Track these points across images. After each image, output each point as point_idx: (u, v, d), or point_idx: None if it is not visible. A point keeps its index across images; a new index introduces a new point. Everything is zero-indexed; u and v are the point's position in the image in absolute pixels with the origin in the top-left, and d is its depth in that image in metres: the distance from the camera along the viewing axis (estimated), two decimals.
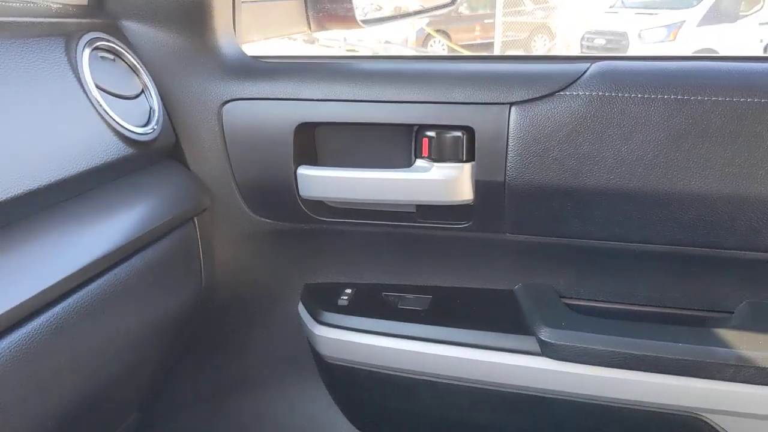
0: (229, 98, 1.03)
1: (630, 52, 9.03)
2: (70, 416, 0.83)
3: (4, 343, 0.68)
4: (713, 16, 8.74)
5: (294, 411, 1.24)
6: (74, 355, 0.80)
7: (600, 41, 9.59)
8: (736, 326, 0.94)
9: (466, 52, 10.74)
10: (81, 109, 0.86)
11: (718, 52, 8.40)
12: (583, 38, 9.93)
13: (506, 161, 0.94)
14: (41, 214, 0.78)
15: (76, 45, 0.89)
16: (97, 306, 0.82)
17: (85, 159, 0.83)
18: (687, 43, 8.63)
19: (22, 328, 0.71)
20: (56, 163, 0.79)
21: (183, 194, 1.02)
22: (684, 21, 8.88)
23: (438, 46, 11.27)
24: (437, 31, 11.19)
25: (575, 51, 10.02)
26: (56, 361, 0.77)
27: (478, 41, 11.24)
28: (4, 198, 0.71)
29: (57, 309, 0.76)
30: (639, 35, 9.12)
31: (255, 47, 1.16)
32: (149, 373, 1.11)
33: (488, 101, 0.94)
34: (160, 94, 1.01)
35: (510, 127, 0.93)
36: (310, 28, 1.23)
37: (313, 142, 1.06)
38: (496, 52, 10.25)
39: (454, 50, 11.00)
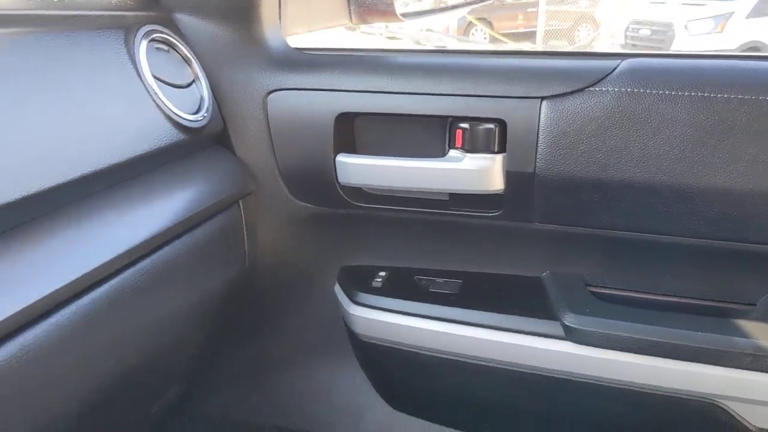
0: (273, 88, 1.09)
1: (676, 44, 8.87)
2: (116, 387, 0.89)
3: (57, 316, 0.74)
4: (763, 8, 8.53)
5: (329, 388, 1.30)
6: (124, 330, 0.86)
7: (645, 32, 9.44)
8: (757, 318, 0.97)
9: (507, 41, 10.67)
10: (138, 97, 0.92)
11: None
12: (627, 29, 9.78)
13: (536, 153, 0.98)
14: (99, 194, 0.84)
15: (135, 37, 0.95)
16: (147, 283, 0.88)
17: (141, 144, 0.90)
18: (735, 36, 8.46)
19: (74, 303, 0.76)
20: (115, 147, 0.85)
21: (229, 178, 1.08)
22: (732, 12, 8.68)
23: (480, 35, 11.21)
24: (479, 19, 11.12)
25: (620, 41, 9.88)
26: (106, 335, 0.82)
27: (521, 30, 11.15)
28: (69, 179, 0.77)
29: (112, 283, 0.81)
30: (685, 26, 8.96)
31: (299, 39, 1.21)
32: (193, 349, 1.18)
33: (520, 95, 0.98)
34: (209, 84, 1.07)
35: (541, 121, 0.97)
36: (351, 21, 1.27)
37: (352, 131, 1.11)
38: (539, 41, 10.16)
39: (496, 39, 10.94)
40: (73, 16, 0.91)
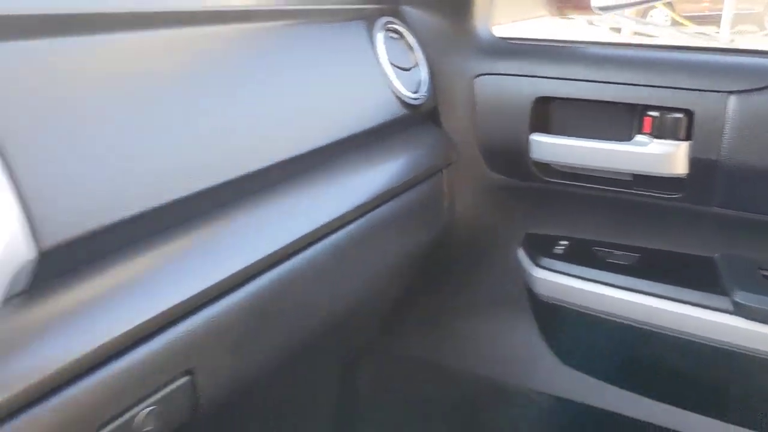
0: (480, 73, 1.25)
1: None
2: (330, 326, 1.06)
3: (302, 257, 0.90)
4: None
5: (505, 338, 1.46)
6: (343, 277, 1.03)
7: None
8: None
9: (689, 24, 10.14)
10: (375, 79, 1.12)
11: None
12: None
13: (721, 142, 1.08)
14: (337, 160, 1.03)
15: (374, 27, 1.15)
16: (366, 237, 1.05)
17: (374, 118, 1.09)
18: None
19: (312, 249, 0.92)
20: (356, 120, 1.05)
21: (437, 150, 1.27)
22: None
23: (659, 17, 10.72)
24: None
25: None
26: (330, 279, 0.99)
27: (706, 12, 10.53)
28: (316, 147, 0.96)
29: (339, 234, 0.98)
30: None
31: (502, 29, 1.36)
32: (392, 296, 1.38)
33: (709, 89, 1.08)
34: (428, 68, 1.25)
35: (727, 113, 1.06)
36: (550, 14, 1.41)
37: (547, 113, 1.25)
38: (724, 25, 9.57)
39: (676, 22, 10.42)
40: (324, 10, 1.12)
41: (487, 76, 1.25)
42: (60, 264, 0.62)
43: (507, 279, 1.41)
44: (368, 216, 1.06)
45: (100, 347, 0.63)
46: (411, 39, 1.23)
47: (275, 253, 0.85)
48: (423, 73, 1.24)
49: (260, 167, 0.85)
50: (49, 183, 0.61)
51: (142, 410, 0.69)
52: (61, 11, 0.70)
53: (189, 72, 0.81)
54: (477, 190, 1.36)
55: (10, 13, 0.65)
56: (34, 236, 0.58)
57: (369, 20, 1.16)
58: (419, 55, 1.24)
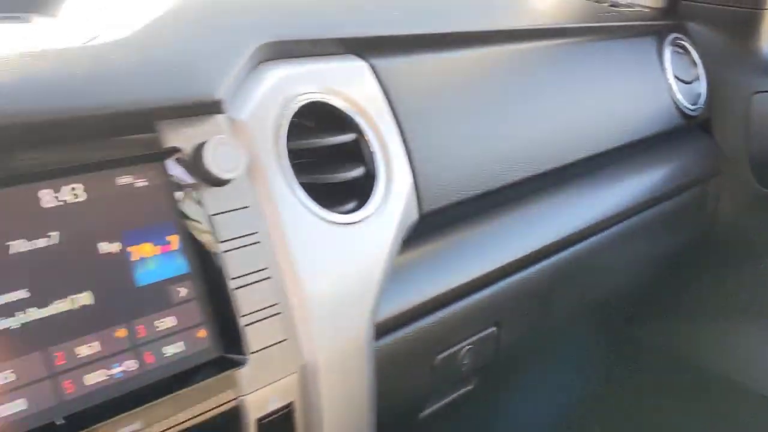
0: (760, 90, 1.30)
1: None
2: (597, 306, 1.21)
3: (585, 243, 1.05)
4: None
5: (755, 346, 1.50)
6: (618, 262, 1.17)
7: None
8: None
9: None
10: (661, 91, 1.23)
11: None
12: None
13: None
14: (623, 161, 1.16)
15: (664, 43, 1.26)
16: (638, 231, 1.18)
17: (658, 125, 1.21)
18: None
19: (593, 237, 1.07)
20: (643, 125, 1.17)
21: (707, 159, 1.34)
22: None
23: None
24: None
25: None
26: (607, 262, 1.14)
27: None
28: (610, 147, 1.10)
29: (621, 226, 1.12)
30: None
31: None
32: (647, 290, 1.48)
33: None
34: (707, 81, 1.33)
35: None
36: None
37: None
38: None
39: None
40: (622, 26, 1.24)
41: (765, 93, 1.30)
42: (427, 226, 0.83)
43: (761, 289, 1.45)
44: (643, 214, 1.18)
45: (444, 293, 0.83)
46: (695, 55, 1.31)
47: (572, 235, 1.01)
48: (702, 86, 1.32)
49: (565, 163, 1.01)
50: (431, 164, 0.81)
51: (464, 347, 0.89)
52: (444, 30, 0.91)
53: (518, 80, 0.99)
54: (742, 201, 1.41)
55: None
56: (419, 204, 0.79)
57: (659, 36, 1.26)
58: (700, 69, 1.32)
